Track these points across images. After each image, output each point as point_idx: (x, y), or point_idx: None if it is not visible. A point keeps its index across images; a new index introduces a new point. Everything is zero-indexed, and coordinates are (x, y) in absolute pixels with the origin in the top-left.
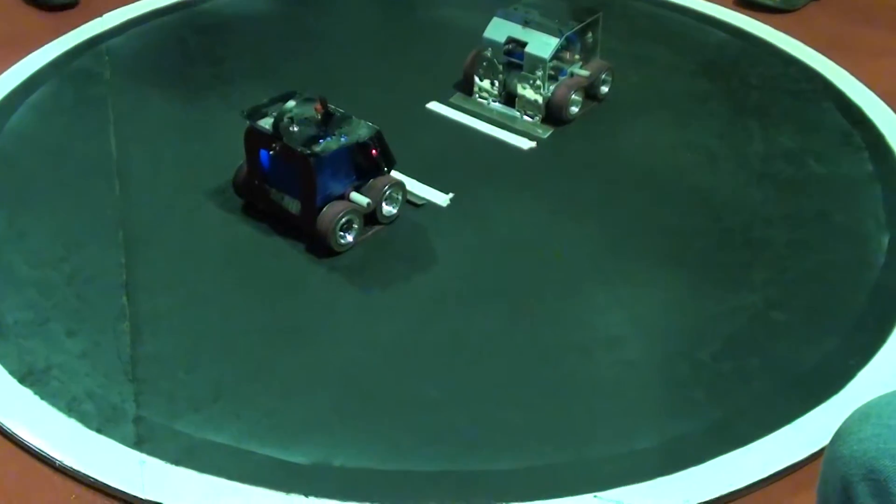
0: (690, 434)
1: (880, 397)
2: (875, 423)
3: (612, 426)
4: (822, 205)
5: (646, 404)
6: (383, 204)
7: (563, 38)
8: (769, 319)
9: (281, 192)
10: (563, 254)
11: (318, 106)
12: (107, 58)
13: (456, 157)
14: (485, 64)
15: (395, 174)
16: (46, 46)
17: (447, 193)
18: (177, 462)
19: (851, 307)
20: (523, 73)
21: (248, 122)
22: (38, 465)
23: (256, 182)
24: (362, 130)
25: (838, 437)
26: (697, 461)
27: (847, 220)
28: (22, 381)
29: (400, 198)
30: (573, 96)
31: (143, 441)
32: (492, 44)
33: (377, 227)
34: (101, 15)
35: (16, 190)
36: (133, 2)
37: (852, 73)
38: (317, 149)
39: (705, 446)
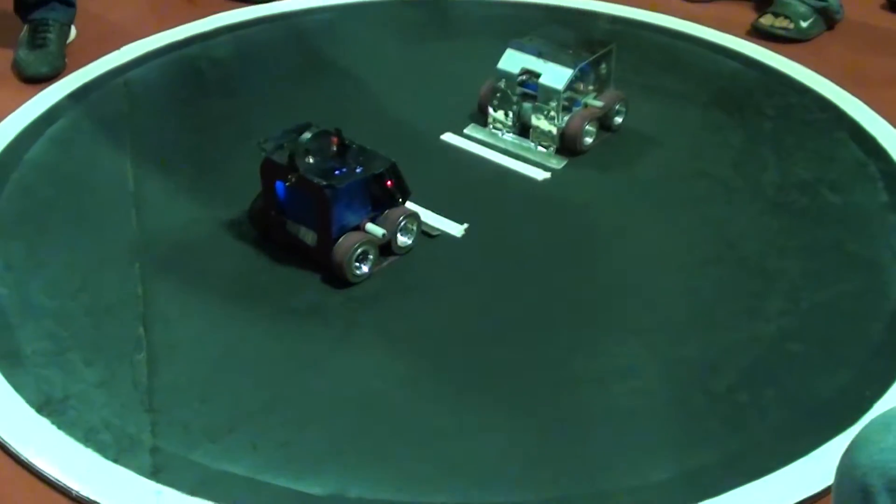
0: (707, 465)
1: None
2: None
3: (628, 457)
4: (836, 235)
5: (662, 435)
6: (398, 235)
7: (576, 70)
8: (785, 350)
9: (297, 223)
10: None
11: (334, 138)
12: (125, 90)
13: (470, 188)
14: (499, 95)
15: (410, 205)
16: (65, 79)
17: (462, 224)
18: (193, 492)
19: (867, 337)
20: (537, 104)
21: (264, 154)
22: (55, 494)
23: (272, 213)
24: (377, 162)
25: (857, 445)
26: (714, 493)
27: (862, 250)
28: (39, 410)
29: (415, 228)
30: (587, 127)
31: (159, 471)
32: (506, 75)
33: (392, 258)
34: (119, 48)
35: (35, 220)
36: (151, 35)
37: (866, 103)
38: (333, 180)
39: (722, 478)
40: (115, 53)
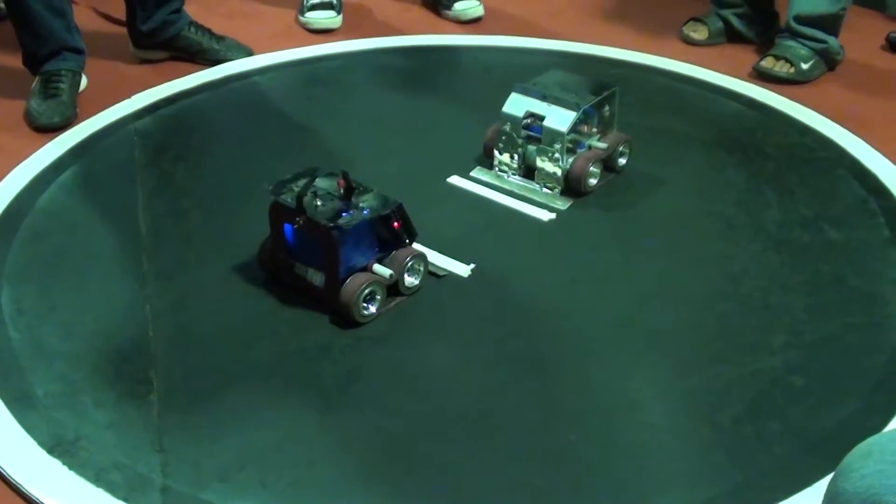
0: (712, 498)
1: (882, 434)
2: (878, 460)
3: (635, 489)
4: (838, 270)
5: (667, 468)
6: (405, 275)
7: (580, 112)
8: (789, 383)
9: (305, 265)
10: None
11: (341, 180)
12: (135, 138)
13: (477, 229)
14: (504, 138)
15: (416, 246)
16: (76, 127)
17: (468, 264)
18: None
19: (870, 370)
20: (542, 146)
21: (272, 197)
22: None
23: (281, 256)
24: (384, 203)
25: (840, 473)
26: None
27: (864, 285)
28: (51, 451)
29: (422, 269)
30: (591, 168)
31: None
32: (511, 118)
33: (400, 299)
34: (129, 97)
35: (46, 265)
36: (160, 84)
37: (867, 142)
38: (340, 222)
39: None
40: (126, 102)
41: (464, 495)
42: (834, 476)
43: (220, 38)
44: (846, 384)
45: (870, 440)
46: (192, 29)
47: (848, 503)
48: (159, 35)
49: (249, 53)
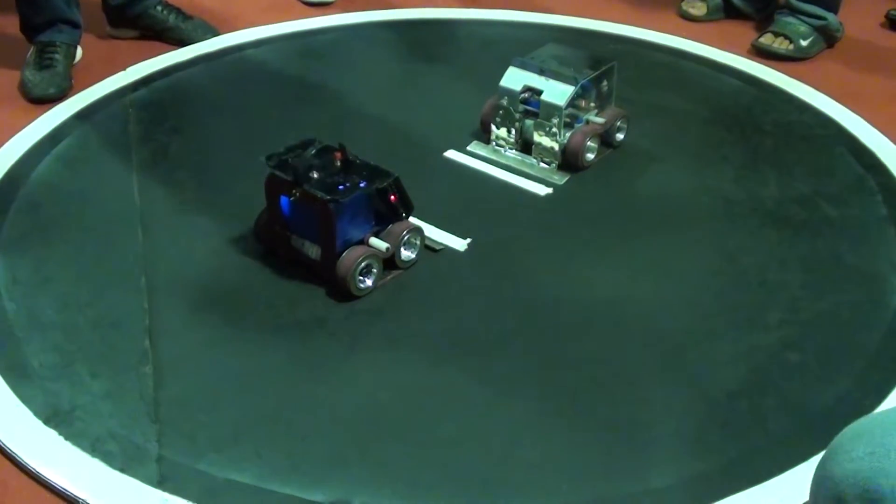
0: (706, 472)
1: (871, 416)
2: (868, 442)
3: (628, 464)
4: (835, 247)
5: (661, 443)
6: (402, 249)
7: (578, 87)
8: (784, 359)
9: (301, 237)
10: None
11: (338, 153)
12: (131, 110)
13: (473, 204)
14: (501, 112)
15: (413, 220)
16: (71, 99)
17: (465, 238)
18: (199, 501)
19: (865, 347)
20: (539, 120)
21: (269, 170)
22: None
23: (277, 228)
24: (381, 176)
25: (829, 456)
26: (713, 499)
27: (860, 262)
28: (47, 422)
29: (418, 243)
30: (589, 143)
31: (165, 480)
32: (508, 92)
33: (396, 272)
34: (124, 69)
35: (41, 237)
36: (155, 56)
37: (865, 119)
38: (336, 195)
39: (721, 485)
40: (120, 74)
41: (458, 468)
42: (823, 458)
43: (187, 18)
44: (841, 361)
45: (860, 421)
46: (160, 7)
47: (838, 486)
48: (128, 11)
49: (216, 34)
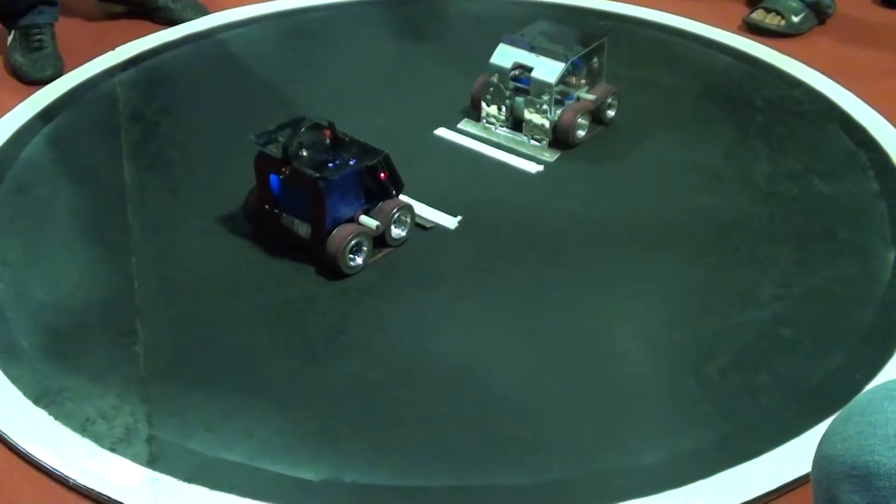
0: (698, 448)
1: (862, 394)
2: (857, 421)
3: (620, 440)
4: (827, 223)
5: (653, 419)
6: (392, 227)
7: (568, 63)
8: (776, 335)
9: (291, 216)
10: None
11: (327, 131)
12: (119, 90)
13: (464, 181)
14: (492, 90)
15: (403, 198)
16: (59, 80)
17: (455, 216)
18: (189, 480)
19: (858, 322)
20: (530, 97)
21: (258, 148)
22: (53, 484)
23: (267, 207)
24: (371, 154)
25: (824, 438)
26: (705, 475)
27: (853, 238)
28: (36, 402)
29: (408, 221)
30: (580, 120)
31: (155, 460)
32: (498, 70)
33: (386, 250)
34: (113, 49)
35: (31, 217)
36: (144, 36)
37: (857, 95)
38: (326, 172)
39: (713, 460)
40: (110, 54)
41: (449, 446)
42: (819, 442)
43: None
44: (833, 336)
45: (851, 403)
46: None
47: (830, 466)
48: None
49: (205, 13)
